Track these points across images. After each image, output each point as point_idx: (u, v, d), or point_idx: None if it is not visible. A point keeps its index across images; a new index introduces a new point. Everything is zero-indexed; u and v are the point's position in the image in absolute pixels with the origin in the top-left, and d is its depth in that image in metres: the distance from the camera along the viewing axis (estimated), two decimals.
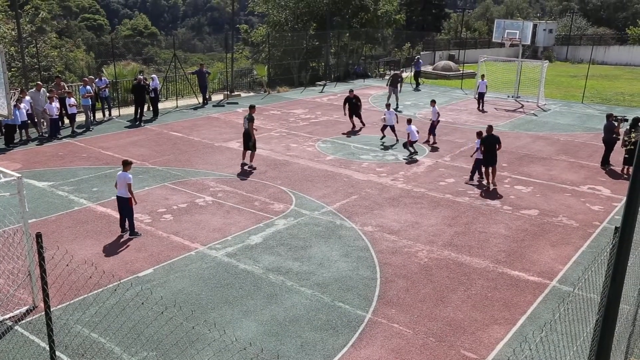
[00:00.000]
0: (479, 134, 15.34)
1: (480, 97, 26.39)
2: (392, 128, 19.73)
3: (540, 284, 10.09)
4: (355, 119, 21.88)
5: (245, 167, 16.39)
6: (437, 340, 8.33)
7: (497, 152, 14.98)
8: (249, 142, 16.45)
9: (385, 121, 19.76)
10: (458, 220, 12.88)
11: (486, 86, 26.46)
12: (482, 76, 26.64)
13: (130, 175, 11.42)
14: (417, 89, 32.77)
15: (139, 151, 17.94)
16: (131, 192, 11.35)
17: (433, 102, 20.05)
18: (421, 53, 45.84)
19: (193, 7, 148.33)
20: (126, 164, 11.47)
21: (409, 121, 18.03)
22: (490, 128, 15.35)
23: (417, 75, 33.83)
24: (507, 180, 15.93)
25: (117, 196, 11.50)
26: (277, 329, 8.47)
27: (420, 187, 15.14)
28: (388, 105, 20.36)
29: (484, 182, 15.38)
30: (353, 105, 21.68)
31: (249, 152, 16.55)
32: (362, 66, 37.92)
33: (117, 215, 12.58)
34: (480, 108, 26.29)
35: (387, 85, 27.16)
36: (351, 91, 22.05)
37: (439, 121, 19.94)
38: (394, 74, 27.14)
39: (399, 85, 26.68)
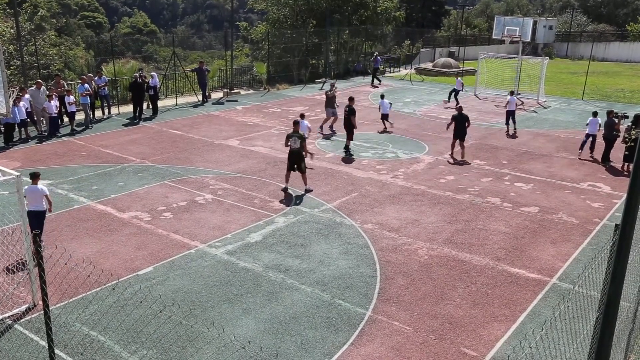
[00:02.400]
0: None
1: (384, 117, 21.42)
2: (386, 117, 21.33)
3: (541, 281, 10.07)
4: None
5: (288, 191, 14.29)
6: (437, 337, 8.32)
7: (467, 129, 17.57)
8: (301, 162, 14.09)
9: (380, 110, 21.46)
10: (458, 218, 12.87)
11: (390, 105, 22.08)
12: (382, 96, 22.11)
13: (45, 188, 10.61)
14: (374, 85, 32.57)
15: (138, 149, 17.92)
16: (49, 202, 10.55)
17: (382, 97, 21.80)
18: (421, 50, 45.80)
19: (192, 5, 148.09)
20: (35, 177, 10.48)
21: (382, 96, 21.10)
22: (460, 108, 18.02)
23: (375, 71, 33.64)
24: (507, 177, 15.92)
25: (30, 211, 9.98)
26: (277, 326, 8.46)
27: (420, 184, 15.12)
28: (383, 95, 22.10)
29: (450, 154, 17.78)
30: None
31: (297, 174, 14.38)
32: (362, 63, 37.88)
33: (117, 214, 12.59)
34: (385, 128, 21.46)
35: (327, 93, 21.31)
36: (351, 99, 18.43)
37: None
38: (332, 96, 20.94)
39: (335, 105, 21.04)
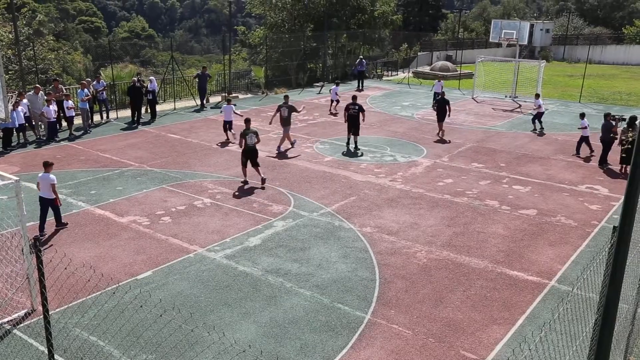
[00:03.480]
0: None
1: (227, 126, 20.02)
2: (229, 125, 21.00)
3: (539, 283, 10.09)
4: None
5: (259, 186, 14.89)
6: (437, 340, 8.33)
7: (448, 113, 20.53)
8: (255, 158, 15.11)
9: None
10: (457, 221, 12.89)
11: (234, 107, 20.20)
12: (228, 100, 20.77)
13: (53, 176, 11.50)
14: (359, 89, 31.88)
15: (136, 153, 17.93)
16: (55, 193, 11.46)
17: (229, 101, 20.89)
18: (419, 54, 45.90)
19: (190, 9, 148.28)
20: (47, 165, 11.51)
21: (228, 101, 20.78)
22: (443, 94, 21.39)
23: (361, 75, 32.88)
24: (506, 180, 15.95)
25: (40, 197, 11.50)
26: (277, 330, 8.47)
27: (419, 187, 15.14)
28: (229, 100, 22.17)
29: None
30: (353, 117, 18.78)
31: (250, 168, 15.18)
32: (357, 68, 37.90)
33: (116, 218, 12.59)
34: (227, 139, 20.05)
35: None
36: (355, 97, 19.25)
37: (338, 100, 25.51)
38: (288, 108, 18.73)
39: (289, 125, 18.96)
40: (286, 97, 19.37)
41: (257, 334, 8.36)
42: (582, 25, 59.69)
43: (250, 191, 14.57)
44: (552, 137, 21.13)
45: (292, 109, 18.56)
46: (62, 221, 12.06)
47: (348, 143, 19.02)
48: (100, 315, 8.60)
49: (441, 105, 20.63)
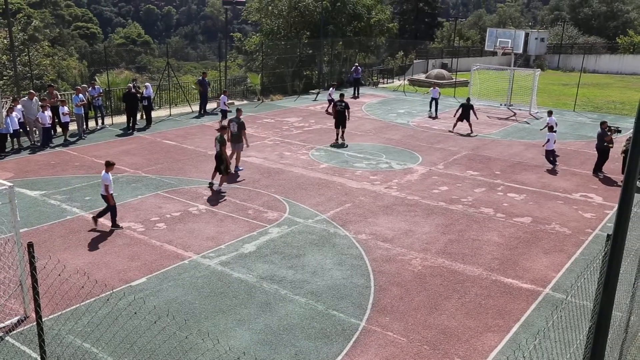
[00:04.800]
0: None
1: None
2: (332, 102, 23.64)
3: (534, 291, 10.11)
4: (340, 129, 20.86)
5: (212, 187, 15.12)
6: (431, 348, 8.32)
7: (347, 117, 20.96)
8: (220, 164, 14.95)
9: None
10: (451, 228, 12.91)
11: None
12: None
13: (108, 176, 11.94)
14: (355, 96, 31.95)
15: (132, 160, 17.89)
16: (107, 192, 11.94)
17: (333, 86, 26.62)
18: (414, 62, 46.10)
19: (186, 16, 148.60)
20: (108, 165, 12.04)
21: (333, 86, 24.66)
22: (342, 96, 21.58)
23: (357, 82, 32.85)
24: (500, 187, 16.00)
25: (101, 194, 12.27)
26: (271, 337, 8.44)
27: (414, 195, 15.17)
28: (333, 85, 27.57)
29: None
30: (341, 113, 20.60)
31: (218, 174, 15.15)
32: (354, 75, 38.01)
33: (110, 225, 12.56)
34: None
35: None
36: (342, 95, 21.85)
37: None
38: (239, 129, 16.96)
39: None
40: (238, 110, 17.41)
41: (252, 341, 8.33)
42: (577, 35, 60.12)
43: (246, 198, 14.56)
44: None
45: (242, 126, 16.57)
46: (117, 223, 12.36)
47: (337, 136, 21.04)
48: (94, 322, 8.56)
49: (341, 110, 20.81)
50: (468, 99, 23.42)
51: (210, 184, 15.40)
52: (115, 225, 12.35)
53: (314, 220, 13.16)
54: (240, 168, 16.93)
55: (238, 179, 16.15)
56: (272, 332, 8.56)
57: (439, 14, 70.44)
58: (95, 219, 12.32)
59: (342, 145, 20.47)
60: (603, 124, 17.64)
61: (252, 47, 39.16)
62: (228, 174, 15.35)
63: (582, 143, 21.66)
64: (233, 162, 16.77)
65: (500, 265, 11.10)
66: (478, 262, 11.21)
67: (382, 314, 9.18)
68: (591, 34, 61.69)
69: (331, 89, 27.56)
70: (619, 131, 18.30)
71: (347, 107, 20.80)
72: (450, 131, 23.04)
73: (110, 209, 12.25)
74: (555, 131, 18.12)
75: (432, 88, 27.52)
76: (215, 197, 14.51)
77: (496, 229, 12.93)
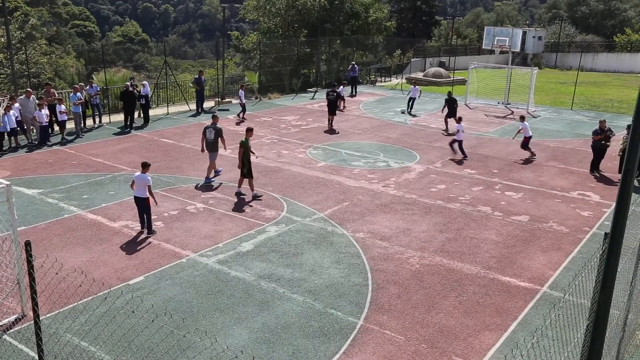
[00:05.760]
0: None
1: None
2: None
3: (531, 289, 10.13)
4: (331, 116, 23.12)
5: (243, 197, 14.45)
6: (429, 346, 8.33)
7: (338, 106, 23.40)
8: (243, 168, 14.24)
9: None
10: (449, 227, 12.92)
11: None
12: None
13: (150, 177, 11.88)
14: (353, 95, 32.02)
15: (129, 158, 17.86)
16: (151, 193, 11.82)
17: (335, 85, 25.48)
18: (412, 60, 46.09)
19: (184, 14, 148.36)
20: (145, 166, 11.92)
21: (335, 85, 24.91)
22: (334, 86, 23.47)
23: (354, 81, 32.91)
24: (498, 186, 16.02)
25: (134, 196, 11.98)
26: (269, 336, 8.44)
27: (412, 193, 15.17)
28: (343, 84, 29.01)
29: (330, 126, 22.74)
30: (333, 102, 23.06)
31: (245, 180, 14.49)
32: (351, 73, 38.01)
33: (108, 223, 12.55)
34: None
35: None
36: (334, 85, 24.12)
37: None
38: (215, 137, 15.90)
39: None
40: (214, 117, 16.17)
41: (250, 340, 8.33)
42: (574, 33, 60.21)
43: (243, 196, 14.54)
44: (544, 144, 21.25)
45: (219, 133, 15.51)
46: (152, 229, 12.06)
47: (328, 122, 23.02)
48: (91, 320, 8.55)
49: (332, 101, 22.87)
50: (449, 92, 23.83)
51: (238, 193, 14.57)
52: (151, 231, 12.03)
53: (311, 219, 13.16)
54: (212, 178, 15.68)
55: (214, 186, 15.48)
56: (270, 331, 8.56)
57: (437, 12, 70.35)
58: (149, 232, 11.97)
59: (334, 132, 22.22)
60: (602, 122, 17.61)
61: (250, 46, 39.09)
62: (252, 177, 14.46)
63: (579, 141, 21.69)
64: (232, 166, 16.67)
65: (498, 263, 11.12)
66: (476, 260, 11.22)
67: (379, 313, 9.18)
68: (588, 32, 61.78)
69: (341, 87, 27.58)
70: (612, 134, 18.13)
71: (338, 96, 22.97)
72: (443, 133, 22.88)
73: (149, 212, 11.95)
74: (530, 136, 19.25)
75: (413, 87, 27.53)
76: (214, 196, 14.50)
77: (494, 228, 12.94)
